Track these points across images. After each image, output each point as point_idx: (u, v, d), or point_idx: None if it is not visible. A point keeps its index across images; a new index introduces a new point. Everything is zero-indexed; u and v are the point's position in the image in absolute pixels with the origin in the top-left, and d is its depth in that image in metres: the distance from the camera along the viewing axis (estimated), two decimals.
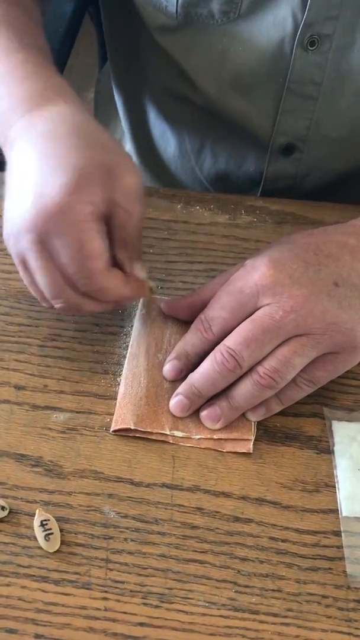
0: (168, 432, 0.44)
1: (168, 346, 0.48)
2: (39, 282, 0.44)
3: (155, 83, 0.66)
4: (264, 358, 0.43)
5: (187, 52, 0.60)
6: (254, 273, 0.44)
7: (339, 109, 0.59)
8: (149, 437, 0.44)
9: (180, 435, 0.44)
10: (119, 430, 0.44)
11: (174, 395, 0.45)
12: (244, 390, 0.43)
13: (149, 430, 0.44)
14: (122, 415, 0.45)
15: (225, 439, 0.44)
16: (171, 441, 0.44)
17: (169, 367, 0.46)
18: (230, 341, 0.43)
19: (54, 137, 0.44)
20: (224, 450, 0.44)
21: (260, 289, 0.43)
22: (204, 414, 0.44)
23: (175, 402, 0.45)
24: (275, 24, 0.55)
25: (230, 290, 0.44)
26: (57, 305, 0.45)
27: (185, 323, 0.49)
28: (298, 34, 0.55)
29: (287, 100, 0.59)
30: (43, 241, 0.42)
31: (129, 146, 0.78)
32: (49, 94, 0.47)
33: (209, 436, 0.44)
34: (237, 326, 0.43)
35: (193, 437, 0.44)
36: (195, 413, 0.45)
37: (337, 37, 0.55)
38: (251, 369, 0.43)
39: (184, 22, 0.58)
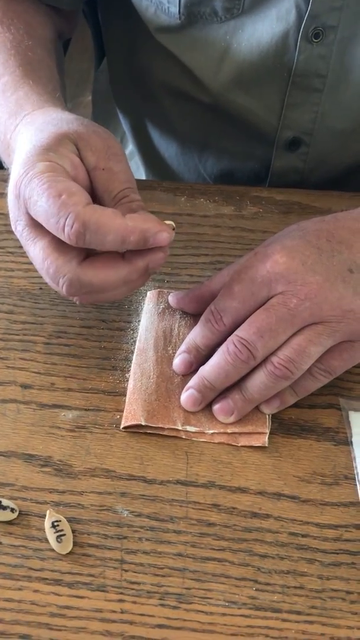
0: (180, 427, 0.43)
1: (177, 340, 0.47)
2: (34, 261, 0.42)
3: (157, 82, 0.65)
4: (278, 348, 0.41)
5: (189, 51, 0.59)
6: (266, 261, 0.42)
7: (344, 101, 0.58)
8: (161, 432, 0.43)
9: (193, 430, 0.43)
10: (130, 427, 0.43)
11: (185, 389, 0.44)
12: (258, 381, 0.42)
13: (160, 425, 0.43)
14: (132, 412, 0.43)
15: (240, 433, 0.43)
16: (184, 436, 0.43)
17: (179, 360, 0.45)
18: (243, 331, 0.41)
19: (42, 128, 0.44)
20: (239, 445, 0.42)
21: (273, 277, 0.42)
22: (216, 407, 0.43)
23: (187, 396, 0.43)
24: (278, 17, 0.54)
25: (241, 279, 0.43)
26: (64, 287, 0.41)
27: (194, 316, 0.48)
28: (302, 26, 0.54)
29: (292, 94, 0.58)
30: (23, 217, 0.41)
31: (130, 146, 0.77)
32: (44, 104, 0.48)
33: (222, 430, 0.43)
34: (249, 316, 0.42)
35: (206, 431, 0.43)
36: (208, 407, 0.44)
37: (341, 28, 0.54)
38: (265, 359, 0.42)
39: (186, 22, 0.57)
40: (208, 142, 0.67)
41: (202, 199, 0.58)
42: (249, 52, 0.56)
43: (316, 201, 0.58)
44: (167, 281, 0.52)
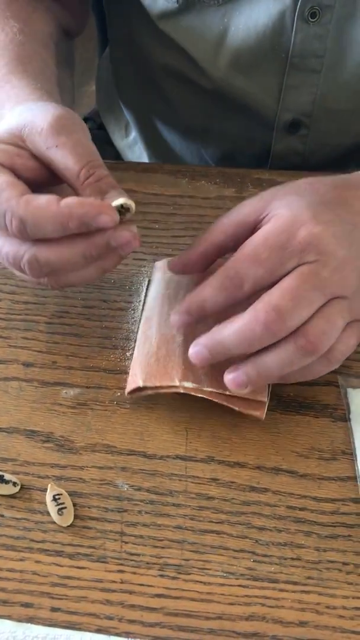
0: (178, 384, 0.42)
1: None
2: None
3: (158, 67, 0.65)
4: (307, 320, 0.38)
5: (188, 36, 0.59)
6: (300, 228, 0.39)
7: (343, 81, 0.58)
8: (159, 391, 0.43)
9: (191, 386, 0.42)
10: (132, 392, 0.43)
11: (194, 343, 0.40)
12: (283, 355, 0.38)
13: (157, 384, 0.42)
14: (133, 376, 0.44)
15: (238, 397, 0.42)
16: (182, 391, 0.42)
17: (179, 320, 0.42)
18: (276, 298, 0.38)
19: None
20: (236, 409, 0.42)
21: (306, 247, 0.38)
22: (229, 377, 0.40)
23: (196, 352, 0.40)
24: None
25: (269, 245, 0.39)
26: (27, 269, 0.39)
27: (200, 277, 0.47)
28: (298, 5, 0.54)
29: (290, 75, 0.58)
30: None
31: (134, 132, 0.77)
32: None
33: (220, 390, 0.42)
34: (271, 286, 0.39)
35: (204, 388, 0.42)
36: (208, 365, 0.42)
37: (338, 7, 0.54)
38: (293, 332, 0.38)
39: (184, 6, 0.57)
40: (210, 127, 0.67)
41: (203, 181, 0.59)
42: (246, 34, 0.56)
43: None
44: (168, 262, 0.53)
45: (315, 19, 0.55)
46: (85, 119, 0.84)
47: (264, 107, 0.61)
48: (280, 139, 0.63)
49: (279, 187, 0.43)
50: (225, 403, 0.42)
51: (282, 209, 0.40)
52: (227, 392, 0.42)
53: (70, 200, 0.38)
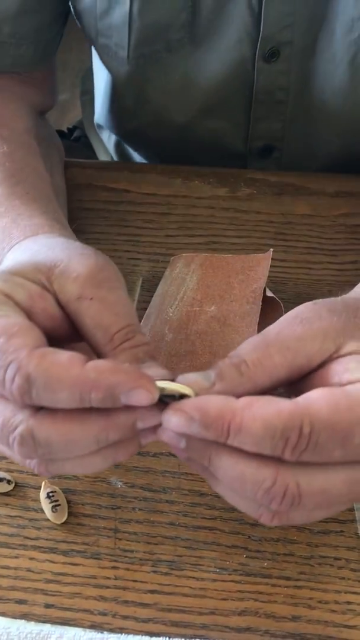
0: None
1: (180, 302, 0.47)
2: None
3: (132, 104, 0.63)
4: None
5: (148, 88, 0.59)
6: None
7: (310, 107, 0.58)
8: None
9: None
10: None
11: (173, 415, 0.29)
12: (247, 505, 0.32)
13: None
14: None
15: None
16: None
17: (170, 440, 0.30)
18: (306, 501, 0.30)
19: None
20: None
21: None
22: (164, 435, 0.30)
23: (170, 436, 0.30)
24: (230, 46, 0.55)
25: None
26: (16, 446, 0.30)
27: (204, 279, 0.48)
28: (258, 49, 0.54)
29: (257, 110, 0.59)
30: None
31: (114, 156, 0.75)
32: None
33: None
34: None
35: None
36: (192, 364, 0.42)
37: (296, 42, 0.54)
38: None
39: (135, 66, 0.56)
40: (184, 155, 0.65)
41: (197, 181, 0.59)
42: (206, 80, 0.57)
43: (309, 183, 0.59)
44: (161, 261, 0.53)
45: (276, 57, 0.55)
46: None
47: (235, 138, 0.62)
48: (254, 163, 0.64)
49: (344, 311, 0.33)
50: None
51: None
52: None
53: (100, 363, 0.29)
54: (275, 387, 0.31)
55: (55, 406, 0.29)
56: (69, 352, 0.29)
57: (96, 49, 0.58)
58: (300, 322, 0.32)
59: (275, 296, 0.47)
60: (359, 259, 0.53)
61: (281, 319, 0.34)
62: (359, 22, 0.52)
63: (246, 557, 0.38)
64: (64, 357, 0.29)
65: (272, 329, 0.33)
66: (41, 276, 0.33)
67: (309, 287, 0.51)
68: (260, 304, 0.45)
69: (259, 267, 0.48)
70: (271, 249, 0.48)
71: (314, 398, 0.29)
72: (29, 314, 0.32)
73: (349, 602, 0.36)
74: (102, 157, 0.77)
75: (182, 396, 0.29)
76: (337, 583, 0.37)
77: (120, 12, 0.54)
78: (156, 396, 0.29)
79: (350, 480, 0.30)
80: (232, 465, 0.29)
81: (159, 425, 0.30)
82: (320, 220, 0.56)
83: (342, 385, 0.30)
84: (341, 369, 0.31)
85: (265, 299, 0.46)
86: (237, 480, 0.30)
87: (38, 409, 0.30)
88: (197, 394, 0.30)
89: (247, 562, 0.38)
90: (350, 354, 0.31)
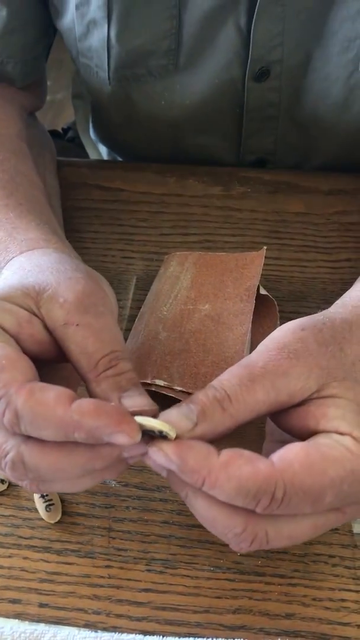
0: (149, 381, 0.42)
1: (174, 301, 0.47)
2: None
3: (120, 120, 0.62)
4: None
5: (132, 105, 0.58)
6: None
7: (302, 121, 0.58)
8: None
9: (162, 384, 0.42)
10: None
11: (155, 453, 0.30)
12: (220, 524, 0.32)
13: None
14: None
15: None
16: (153, 389, 0.42)
17: (156, 463, 0.31)
18: (275, 541, 0.31)
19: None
20: None
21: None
22: (151, 459, 0.31)
23: (154, 460, 0.31)
24: (219, 68, 0.54)
25: (338, 493, 0.30)
26: (8, 470, 0.31)
27: (198, 278, 0.47)
28: (247, 70, 0.54)
29: (249, 126, 0.59)
30: None
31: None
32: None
33: (190, 390, 0.42)
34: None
35: (174, 387, 0.42)
36: (182, 363, 0.43)
37: (286, 60, 0.54)
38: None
39: (117, 87, 0.56)
40: (175, 162, 0.65)
41: (190, 180, 0.59)
42: (195, 102, 0.56)
43: (304, 181, 0.59)
44: (155, 260, 0.53)
45: (266, 77, 0.55)
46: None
47: (227, 153, 0.62)
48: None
49: (331, 341, 0.34)
50: None
51: (347, 422, 0.32)
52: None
53: (84, 404, 0.29)
54: (254, 420, 0.32)
55: (43, 439, 0.30)
56: (56, 388, 0.30)
57: (78, 67, 0.58)
58: (287, 355, 0.33)
59: (269, 294, 0.47)
60: (353, 256, 0.53)
61: (269, 344, 0.34)
62: (355, 42, 0.52)
63: (240, 555, 0.38)
64: (51, 395, 0.30)
65: (258, 359, 0.33)
66: (29, 301, 0.34)
67: (303, 285, 0.51)
68: (254, 302, 0.45)
69: (253, 265, 0.48)
70: (265, 247, 0.48)
71: (290, 460, 0.30)
72: (17, 340, 0.33)
73: (343, 600, 0.36)
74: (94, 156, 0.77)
75: (162, 433, 0.30)
76: (331, 580, 0.37)
77: (99, 36, 0.53)
78: (137, 438, 0.30)
79: (316, 525, 0.31)
80: (206, 507, 0.31)
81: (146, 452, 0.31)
82: (314, 218, 0.56)
83: (317, 431, 0.32)
84: (319, 414, 0.32)
85: (259, 297, 0.46)
86: (209, 521, 0.31)
87: (29, 437, 0.30)
88: (177, 435, 0.31)
89: (241, 561, 0.38)
90: (330, 396, 0.32)
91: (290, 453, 0.31)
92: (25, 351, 0.32)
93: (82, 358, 0.33)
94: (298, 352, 0.33)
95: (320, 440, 0.31)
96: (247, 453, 0.30)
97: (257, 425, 0.37)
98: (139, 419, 0.30)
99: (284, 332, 0.34)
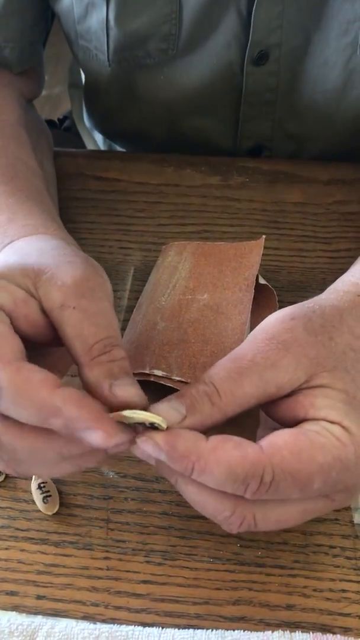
0: (147, 371, 0.42)
1: (172, 291, 0.46)
2: None
3: (118, 102, 0.61)
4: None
5: (130, 89, 0.58)
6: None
7: (299, 107, 0.58)
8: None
9: (160, 374, 0.42)
10: None
11: (144, 442, 0.30)
12: (210, 506, 0.32)
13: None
14: None
15: None
16: (152, 379, 0.41)
17: (146, 453, 0.31)
18: (263, 524, 0.32)
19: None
20: None
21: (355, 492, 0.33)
22: (141, 448, 0.31)
23: (142, 450, 0.31)
24: (219, 51, 0.54)
25: (326, 480, 0.30)
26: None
27: (196, 268, 0.47)
28: (247, 54, 0.54)
29: (246, 111, 0.58)
30: None
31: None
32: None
33: (189, 380, 0.41)
34: None
35: (173, 377, 0.41)
36: (181, 353, 0.42)
37: (285, 43, 0.54)
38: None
39: (117, 68, 0.56)
40: (171, 148, 0.64)
41: (188, 170, 0.58)
42: (193, 84, 0.56)
43: (302, 170, 0.58)
44: (153, 250, 0.52)
45: (264, 60, 0.54)
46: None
47: (224, 137, 0.61)
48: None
49: (321, 330, 0.34)
50: None
51: (336, 410, 0.31)
52: None
53: (69, 393, 0.29)
54: (242, 413, 0.32)
55: (20, 420, 0.30)
56: (44, 372, 0.30)
57: (77, 50, 0.57)
58: (275, 346, 0.33)
59: (268, 284, 0.47)
60: (353, 246, 0.53)
61: (258, 335, 0.34)
62: (354, 25, 0.51)
63: (240, 546, 0.38)
64: (38, 376, 0.30)
65: (247, 352, 0.33)
66: (28, 281, 0.33)
67: (303, 275, 0.51)
68: (253, 291, 0.45)
69: (251, 254, 0.47)
70: (263, 236, 0.47)
71: (279, 445, 0.30)
72: (10, 319, 0.32)
73: (343, 590, 0.36)
74: (92, 148, 0.76)
75: (152, 424, 0.30)
76: (331, 571, 0.37)
77: (98, 17, 0.53)
78: (114, 441, 0.29)
79: (305, 511, 0.32)
80: (195, 492, 0.32)
81: (131, 441, 0.31)
82: (314, 208, 0.55)
83: (307, 419, 0.32)
84: (308, 404, 0.32)
85: (258, 286, 0.46)
86: (198, 504, 0.32)
87: (7, 417, 0.30)
88: (167, 425, 0.31)
89: (240, 552, 0.38)
90: (319, 386, 0.32)
91: (279, 439, 0.31)
92: (17, 331, 0.32)
93: (76, 341, 0.32)
94: (287, 342, 0.33)
95: (308, 426, 0.31)
96: (235, 438, 0.31)
97: (256, 417, 0.37)
98: (130, 412, 0.30)
99: (273, 322, 0.34)
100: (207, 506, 0.32)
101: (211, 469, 0.29)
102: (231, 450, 0.30)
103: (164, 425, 0.30)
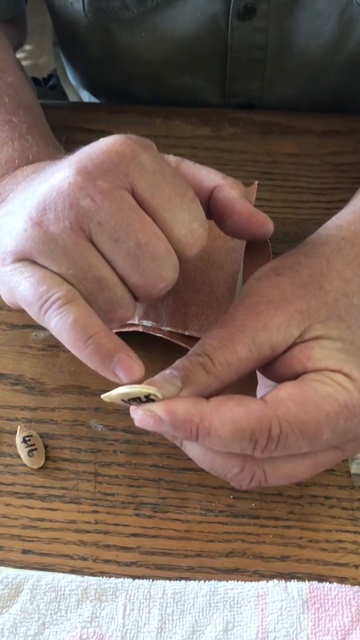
0: (137, 322, 0.40)
1: None
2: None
3: (101, 57, 0.59)
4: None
5: (110, 43, 0.55)
6: None
7: (289, 67, 0.55)
8: (122, 330, 0.40)
9: (150, 325, 0.40)
10: None
11: (144, 415, 0.30)
12: (218, 465, 0.32)
13: None
14: None
15: (197, 338, 0.39)
16: (141, 329, 0.40)
17: (149, 421, 0.30)
18: (273, 478, 0.31)
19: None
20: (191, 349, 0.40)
21: None
22: (138, 416, 0.31)
23: (142, 418, 0.30)
24: (201, 2, 0.51)
25: (335, 429, 0.30)
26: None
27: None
28: (231, 6, 0.51)
29: (234, 68, 0.56)
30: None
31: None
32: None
33: (179, 331, 0.40)
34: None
35: (163, 328, 0.40)
36: (171, 303, 0.41)
37: None
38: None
39: (94, 19, 0.53)
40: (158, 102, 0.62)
41: (178, 121, 0.56)
42: (176, 38, 0.53)
43: (295, 121, 0.56)
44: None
45: (251, 15, 0.51)
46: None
47: (212, 95, 0.59)
48: None
49: (309, 281, 0.33)
50: (182, 344, 0.40)
51: (334, 360, 0.31)
52: (186, 333, 0.40)
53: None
54: (240, 378, 0.32)
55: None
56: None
57: (52, 1, 0.54)
58: (265, 307, 0.32)
59: None
60: (348, 197, 0.51)
61: (245, 296, 0.33)
62: None
63: (233, 498, 0.37)
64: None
65: (236, 316, 0.32)
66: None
67: (297, 226, 0.49)
68: (245, 240, 0.43)
69: None
70: (256, 182, 0.46)
71: (283, 397, 0.29)
72: None
73: (340, 541, 0.35)
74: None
75: (148, 397, 0.30)
76: (327, 522, 0.36)
77: None
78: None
79: (315, 464, 0.31)
80: (202, 453, 0.31)
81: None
82: (308, 159, 0.54)
83: (306, 372, 0.31)
84: (304, 358, 0.31)
85: None
86: (206, 463, 0.32)
87: None
88: (163, 397, 0.30)
89: (234, 504, 0.36)
90: (314, 338, 0.31)
91: (282, 391, 0.30)
92: None
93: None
94: (275, 301, 0.32)
95: (311, 376, 0.30)
96: (237, 396, 0.30)
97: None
98: (125, 388, 0.30)
99: (258, 280, 0.33)
100: (215, 464, 0.31)
101: (216, 429, 0.29)
102: (234, 407, 0.29)
103: (160, 396, 0.30)
